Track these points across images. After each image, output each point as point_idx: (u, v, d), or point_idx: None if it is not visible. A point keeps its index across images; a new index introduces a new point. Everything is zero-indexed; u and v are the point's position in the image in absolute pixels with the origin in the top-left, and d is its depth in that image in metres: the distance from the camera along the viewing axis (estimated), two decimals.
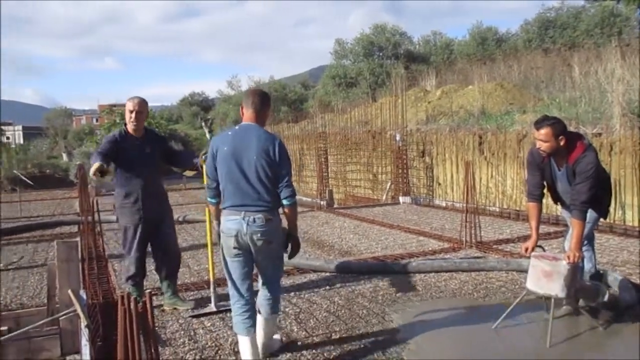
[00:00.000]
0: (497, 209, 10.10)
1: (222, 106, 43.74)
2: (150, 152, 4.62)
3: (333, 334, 4.02)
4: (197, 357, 3.69)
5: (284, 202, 3.45)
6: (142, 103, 4.56)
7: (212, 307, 4.62)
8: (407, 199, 12.00)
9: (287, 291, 5.13)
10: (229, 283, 3.54)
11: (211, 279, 4.69)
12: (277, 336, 3.84)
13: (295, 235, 3.64)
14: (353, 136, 15.90)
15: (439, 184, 12.92)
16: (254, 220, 3.35)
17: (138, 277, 4.76)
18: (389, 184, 13.21)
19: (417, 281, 5.36)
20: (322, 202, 11.80)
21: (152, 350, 1.96)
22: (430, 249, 6.91)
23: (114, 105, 43.73)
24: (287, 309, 4.58)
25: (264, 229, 3.37)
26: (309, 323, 4.26)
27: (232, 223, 3.39)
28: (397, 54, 32.03)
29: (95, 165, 4.06)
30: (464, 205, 6.97)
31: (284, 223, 3.59)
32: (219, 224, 3.57)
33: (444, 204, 11.44)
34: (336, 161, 15.52)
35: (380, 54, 32.52)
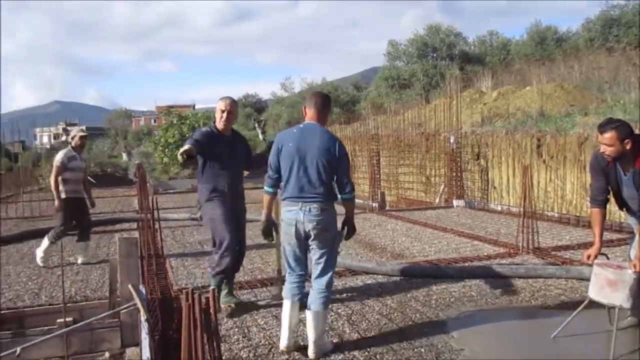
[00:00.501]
0: (556, 214, 9.76)
1: (275, 108, 44.30)
2: (237, 151, 4.73)
3: (386, 337, 3.99)
4: (251, 354, 3.75)
5: (345, 196, 3.77)
6: (234, 104, 4.71)
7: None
8: (461, 202, 11.78)
9: (339, 292, 5.14)
10: (286, 265, 3.87)
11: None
12: (328, 340, 3.86)
13: (352, 220, 3.95)
14: (406, 138, 15.75)
15: (495, 188, 12.62)
16: (310, 210, 3.65)
17: (229, 272, 4.69)
18: (442, 186, 13.01)
19: (471, 286, 5.25)
20: (374, 204, 11.74)
21: (215, 346, 2.00)
22: (485, 253, 6.76)
23: (171, 107, 45.14)
24: (339, 310, 4.59)
25: (319, 217, 3.66)
26: (362, 325, 4.25)
27: (291, 213, 3.69)
28: (451, 54, 31.52)
29: (186, 146, 4.18)
30: (521, 209, 6.78)
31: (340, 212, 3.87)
32: (269, 213, 3.94)
33: (499, 208, 11.16)
34: (388, 163, 15.42)
35: (435, 55, 32.07)
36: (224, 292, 4.85)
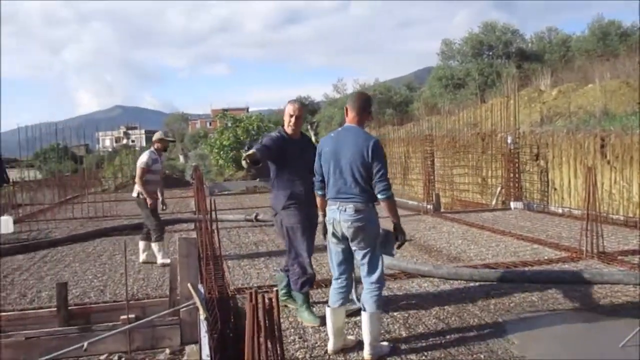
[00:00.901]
0: (622, 217, 9.31)
1: (328, 109, 44.39)
2: (307, 156, 4.50)
3: (443, 342, 3.92)
4: (307, 355, 3.76)
5: (379, 196, 3.73)
6: (302, 108, 4.61)
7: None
8: (519, 205, 11.44)
9: (395, 295, 5.09)
10: (331, 267, 3.97)
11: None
12: (385, 342, 3.83)
13: (398, 225, 3.90)
14: (461, 139, 15.44)
15: (555, 189, 12.18)
16: (345, 210, 3.73)
17: (313, 280, 4.50)
18: (499, 188, 12.67)
19: (532, 291, 5.07)
20: (428, 206, 11.57)
21: (278, 347, 2.02)
22: (546, 257, 6.53)
23: (226, 110, 46.04)
24: (395, 313, 4.55)
25: (353, 217, 3.71)
26: (418, 329, 4.20)
27: (331, 212, 3.82)
28: (508, 52, 30.65)
29: (251, 151, 4.05)
30: (584, 212, 6.51)
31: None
32: (323, 215, 3.96)
33: (560, 211, 10.75)
34: (443, 164, 15.15)
35: (490, 53, 31.28)
36: (282, 291, 4.74)
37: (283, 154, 4.39)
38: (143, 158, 7.11)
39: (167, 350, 4.65)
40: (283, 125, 4.60)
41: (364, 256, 3.76)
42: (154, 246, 7.02)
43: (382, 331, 4.13)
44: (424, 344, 3.89)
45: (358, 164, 3.69)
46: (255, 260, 6.92)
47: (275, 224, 4.65)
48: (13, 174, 16.71)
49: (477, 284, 5.39)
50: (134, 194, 7.27)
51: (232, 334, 4.49)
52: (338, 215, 3.74)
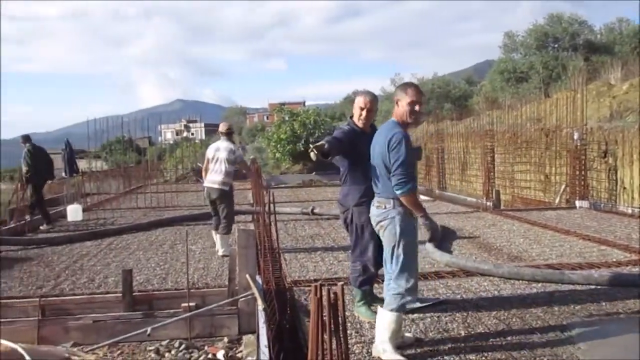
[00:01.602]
0: None
1: (385, 104, 44.00)
2: None
3: (504, 343, 3.80)
4: (364, 350, 3.75)
5: (394, 190, 3.58)
6: (374, 100, 4.40)
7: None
8: (585, 203, 10.96)
9: (453, 293, 4.99)
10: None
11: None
12: (384, 345, 3.59)
13: (424, 221, 3.69)
14: (523, 134, 14.93)
15: (625, 188, 11.58)
16: (373, 204, 3.79)
17: (373, 279, 4.44)
18: (563, 186, 12.18)
19: (600, 295, 4.85)
20: (488, 203, 11.28)
21: (342, 341, 2.01)
22: (614, 260, 6.22)
23: (283, 104, 46.53)
24: (454, 312, 4.46)
25: (375, 213, 3.73)
26: (477, 329, 4.09)
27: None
28: (575, 44, 29.34)
29: (319, 143, 3.94)
30: None
31: None
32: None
33: (629, 211, 10.23)
34: (503, 160, 14.71)
35: (556, 45, 30.05)
36: (364, 306, 4.47)
37: (354, 148, 4.20)
38: (239, 154, 7.24)
39: (225, 339, 4.74)
40: (352, 117, 4.45)
41: (386, 254, 3.68)
42: (218, 238, 7.13)
43: (440, 329, 4.07)
44: (483, 344, 3.79)
45: (381, 158, 3.66)
46: (311, 253, 6.96)
47: (342, 219, 4.51)
48: (81, 165, 17.53)
49: (539, 284, 5.20)
50: (224, 187, 7.10)
51: (289, 325, 4.54)
52: (372, 211, 3.80)
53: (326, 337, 2.00)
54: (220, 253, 7.02)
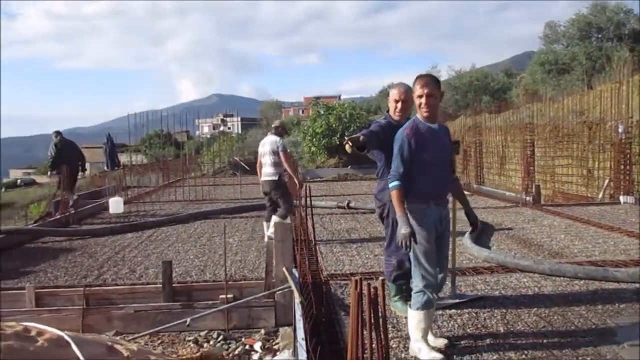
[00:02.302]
0: None
1: None
2: None
3: (545, 341, 3.73)
4: (401, 345, 3.73)
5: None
6: (409, 91, 4.27)
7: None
8: (630, 199, 10.60)
9: (491, 290, 4.92)
10: None
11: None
12: (418, 344, 3.53)
13: (398, 220, 3.50)
14: (564, 127, 14.53)
15: None
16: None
17: (408, 275, 4.26)
18: (607, 181, 11.82)
19: None
20: (527, 198, 11.04)
21: (382, 336, 2.01)
22: None
23: (318, 98, 46.57)
24: (492, 308, 4.39)
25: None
26: (517, 326, 4.02)
27: None
28: (620, 34, 28.33)
29: (355, 135, 3.94)
30: None
31: None
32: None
33: None
34: (544, 154, 14.36)
35: (599, 35, 29.09)
36: (399, 301, 4.47)
37: (391, 142, 3.98)
38: (280, 143, 7.38)
39: (262, 331, 4.79)
40: (388, 111, 4.41)
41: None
42: (274, 218, 7.18)
43: (479, 325, 4.02)
44: (523, 342, 3.72)
45: None
46: (347, 247, 6.96)
47: (378, 214, 4.49)
48: (122, 159, 17.96)
49: (582, 282, 5.07)
50: (273, 177, 7.38)
51: (325, 319, 4.56)
52: None
53: (366, 332, 1.99)
54: (267, 233, 7.08)
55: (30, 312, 4.85)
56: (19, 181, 53.13)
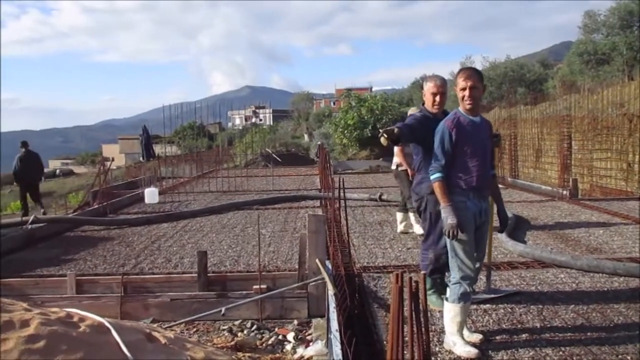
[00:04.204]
0: None
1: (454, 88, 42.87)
2: None
3: (583, 338, 3.66)
4: (435, 339, 3.71)
5: None
6: (445, 84, 4.26)
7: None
8: None
9: (527, 285, 4.84)
10: None
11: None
12: (453, 337, 3.51)
13: (443, 214, 3.51)
14: (603, 120, 14.13)
15: None
16: None
17: (444, 269, 4.26)
18: None
19: None
20: (564, 192, 10.79)
21: (423, 330, 2.01)
22: None
23: (350, 89, 46.42)
24: (528, 303, 4.33)
25: None
26: (554, 322, 3.96)
27: None
28: None
29: (390, 128, 3.91)
30: None
31: None
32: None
33: None
34: (581, 147, 14.00)
35: None
36: (434, 295, 4.37)
37: (428, 135, 3.94)
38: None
39: (295, 322, 4.84)
40: (424, 104, 4.37)
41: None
42: (412, 216, 7.12)
43: (514, 321, 3.97)
44: (560, 338, 3.66)
45: None
46: (380, 240, 6.94)
47: (415, 207, 4.45)
48: (156, 150, 18.29)
49: (621, 279, 4.94)
50: (393, 167, 7.37)
51: (357, 311, 4.57)
52: None
53: (406, 326, 1.99)
54: (415, 232, 6.93)
55: (71, 298, 5.01)
56: (57, 171, 54.70)
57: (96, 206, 10.24)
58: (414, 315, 1.97)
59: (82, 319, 3.13)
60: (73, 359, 2.74)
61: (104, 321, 3.14)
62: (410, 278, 1.97)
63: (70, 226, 8.67)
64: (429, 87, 4.29)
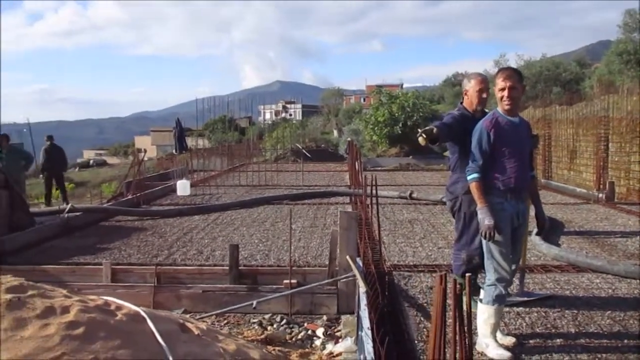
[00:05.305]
0: None
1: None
2: None
3: (619, 345, 3.58)
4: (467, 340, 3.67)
5: None
6: (485, 83, 4.20)
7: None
8: None
9: (561, 289, 4.76)
10: None
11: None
12: (486, 340, 3.47)
13: (479, 215, 3.49)
14: None
15: None
16: None
17: (477, 270, 4.20)
18: None
19: None
20: (600, 195, 10.55)
21: (465, 332, 2.00)
22: None
23: (380, 86, 46.17)
24: (563, 308, 4.25)
25: None
26: (589, 328, 3.88)
27: None
28: None
29: (428, 127, 3.86)
30: None
31: None
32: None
33: None
34: (619, 150, 13.61)
35: None
36: (466, 296, 4.41)
37: (465, 134, 3.89)
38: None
39: (324, 317, 4.85)
40: (462, 102, 4.31)
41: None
42: None
43: (548, 325, 3.91)
44: (596, 345, 3.59)
45: None
46: (410, 238, 6.91)
47: (449, 207, 4.38)
48: (188, 142, 18.52)
49: None
50: None
51: (387, 309, 4.56)
52: None
53: (448, 328, 1.98)
54: None
55: (106, 286, 5.13)
56: (91, 162, 55.94)
57: (130, 197, 10.44)
58: (457, 318, 1.96)
59: (118, 307, 3.20)
60: (110, 346, 2.80)
61: (140, 310, 3.20)
62: (455, 280, 1.96)
63: (105, 216, 8.87)
64: (473, 84, 4.20)
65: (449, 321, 2.27)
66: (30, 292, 2.95)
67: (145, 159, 12.58)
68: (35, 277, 4.07)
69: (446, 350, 2.16)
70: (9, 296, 2.83)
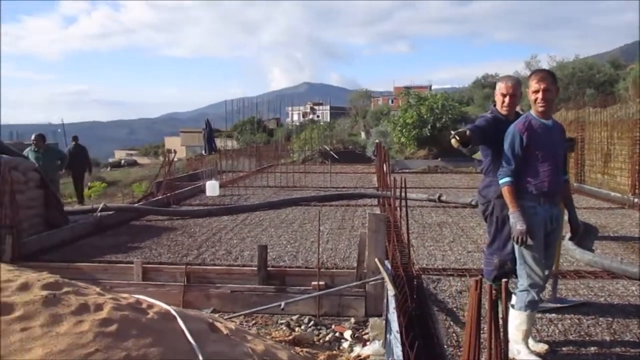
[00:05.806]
0: None
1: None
2: None
3: None
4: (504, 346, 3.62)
5: None
6: (517, 85, 4.13)
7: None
8: None
9: (595, 296, 4.65)
10: None
11: None
12: (518, 346, 3.41)
13: (511, 220, 3.47)
14: None
15: None
16: None
17: (509, 275, 4.05)
18: None
19: None
20: (635, 200, 10.27)
21: (501, 338, 1.97)
22: None
23: (408, 87, 45.88)
24: (597, 315, 4.15)
25: None
26: (625, 336, 3.78)
27: None
28: None
29: (461, 130, 3.82)
30: None
31: None
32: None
33: None
34: None
35: None
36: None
37: (498, 137, 3.85)
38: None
39: (352, 320, 4.84)
40: (495, 105, 4.22)
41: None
42: None
43: (582, 333, 3.82)
44: (633, 354, 3.49)
45: None
46: (439, 241, 6.85)
47: (481, 211, 4.27)
48: (217, 143, 18.69)
49: None
50: None
51: (415, 313, 4.52)
52: None
53: (483, 334, 1.95)
54: None
55: (137, 285, 5.22)
56: (122, 161, 57.01)
57: (160, 197, 10.59)
58: (492, 324, 1.93)
59: (150, 306, 3.25)
60: (142, 344, 2.84)
61: (171, 309, 3.24)
62: (491, 286, 1.94)
63: (136, 215, 9.02)
64: (499, 88, 4.15)
65: (482, 326, 2.25)
66: (65, 289, 3.01)
67: (175, 159, 12.75)
68: (70, 274, 4.16)
69: (481, 356, 2.14)
70: (45, 292, 2.89)
